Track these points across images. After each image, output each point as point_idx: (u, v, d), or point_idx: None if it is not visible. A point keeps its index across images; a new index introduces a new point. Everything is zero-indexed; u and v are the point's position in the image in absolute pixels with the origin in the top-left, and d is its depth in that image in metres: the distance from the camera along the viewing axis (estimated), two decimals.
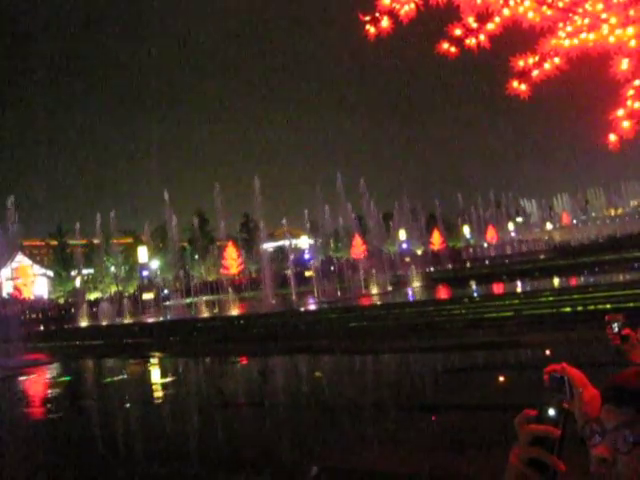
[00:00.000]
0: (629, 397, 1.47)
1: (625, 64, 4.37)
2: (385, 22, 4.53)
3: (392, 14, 4.54)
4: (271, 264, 52.59)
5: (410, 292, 41.14)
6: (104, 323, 43.33)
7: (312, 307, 35.65)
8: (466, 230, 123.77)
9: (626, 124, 4.45)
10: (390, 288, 45.63)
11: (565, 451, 1.45)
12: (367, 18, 4.55)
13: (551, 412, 1.48)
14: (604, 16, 4.48)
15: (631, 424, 1.44)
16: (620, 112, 4.47)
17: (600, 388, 1.63)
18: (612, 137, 4.53)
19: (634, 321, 2.48)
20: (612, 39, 4.40)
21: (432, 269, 65.16)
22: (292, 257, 54.95)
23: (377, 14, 4.55)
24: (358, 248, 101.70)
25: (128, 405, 18.19)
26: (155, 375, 24.32)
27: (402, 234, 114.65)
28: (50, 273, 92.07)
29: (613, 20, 4.40)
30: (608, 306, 21.94)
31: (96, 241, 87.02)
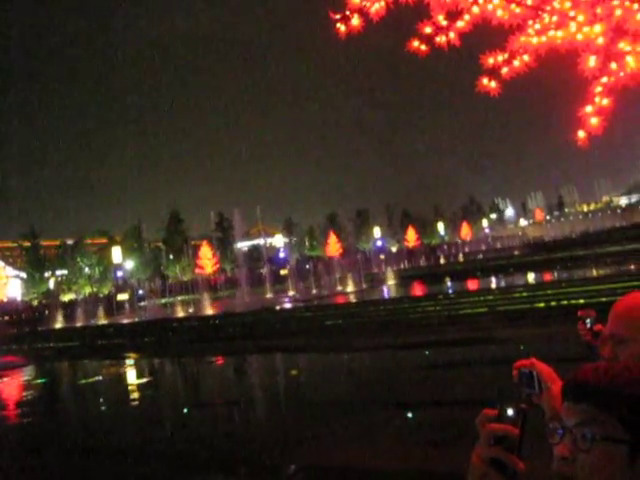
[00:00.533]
0: (587, 393, 1.46)
1: (592, 61, 4.42)
2: (355, 20, 4.54)
3: (362, 12, 4.55)
4: (246, 263, 52.45)
5: (385, 289, 41.25)
6: (78, 324, 43.00)
7: (287, 306, 35.62)
8: (440, 227, 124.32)
9: (594, 121, 4.50)
10: (365, 286, 45.72)
11: (526, 449, 1.46)
12: (337, 16, 4.56)
13: (510, 412, 1.49)
14: (572, 14, 4.52)
15: (590, 421, 1.43)
16: (588, 109, 4.52)
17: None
18: (581, 134, 4.57)
19: (605, 316, 2.50)
20: (580, 36, 4.44)
21: (407, 266, 65.36)
22: (267, 256, 54.84)
23: (347, 12, 4.56)
24: (333, 246, 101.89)
25: (103, 407, 18.09)
26: (130, 376, 24.19)
27: (377, 231, 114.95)
28: (23, 275, 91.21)
29: (580, 18, 4.44)
30: (581, 301, 22.12)
31: (69, 242, 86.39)
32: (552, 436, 1.49)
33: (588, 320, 2.90)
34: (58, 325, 43.71)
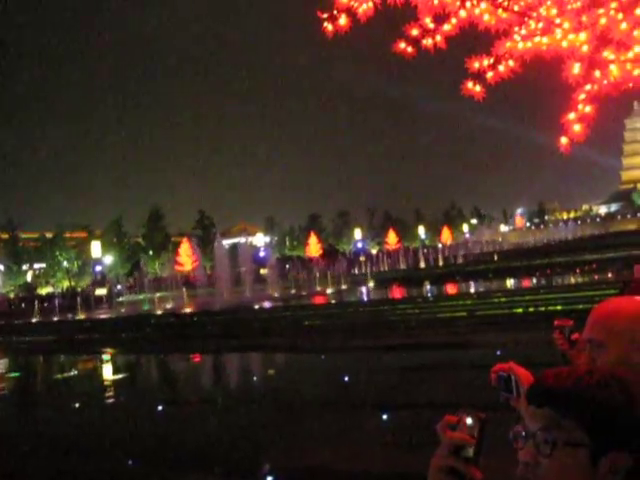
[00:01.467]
0: (549, 398, 1.46)
1: (577, 68, 4.44)
2: (343, 20, 4.54)
3: (350, 12, 4.55)
4: (226, 261, 52.28)
5: (364, 291, 41.30)
6: (55, 319, 42.70)
7: (266, 305, 35.57)
8: (421, 231, 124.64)
9: (577, 128, 4.53)
10: (345, 287, 45.76)
11: (482, 458, 1.45)
12: (325, 16, 4.56)
13: (468, 421, 1.48)
14: (558, 21, 4.55)
15: (552, 426, 1.43)
16: (571, 116, 4.55)
17: None
18: (564, 140, 4.61)
19: (582, 324, 2.51)
20: (565, 44, 4.47)
21: (387, 268, 65.47)
22: (247, 254, 54.74)
23: (335, 12, 4.56)
24: (313, 247, 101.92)
25: (76, 402, 17.96)
26: (106, 372, 24.05)
27: (357, 233, 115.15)
28: (0, 267, 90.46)
29: (566, 25, 4.47)
30: (559, 307, 22.29)
31: (49, 235, 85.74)
32: (516, 441, 1.49)
33: (567, 329, 2.91)
34: (35, 319, 43.38)
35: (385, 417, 12.46)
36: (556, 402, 1.44)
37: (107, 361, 26.35)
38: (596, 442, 1.41)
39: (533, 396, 1.51)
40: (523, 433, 1.48)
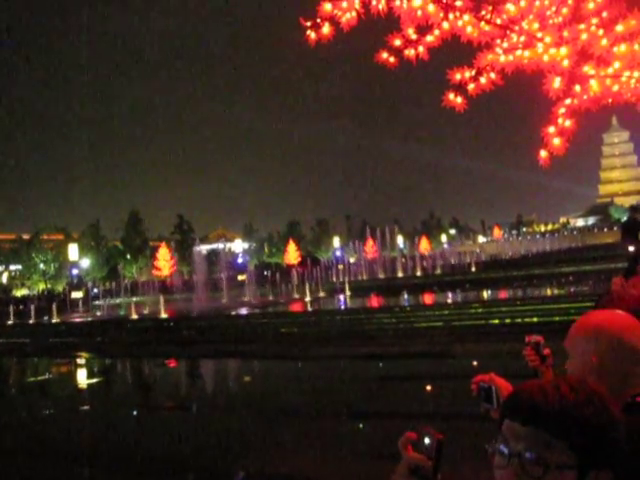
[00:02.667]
0: (537, 417, 1.43)
1: (557, 83, 4.48)
2: (326, 28, 4.55)
3: (333, 21, 4.56)
4: (203, 266, 52.14)
5: (342, 299, 41.29)
6: (30, 321, 42.32)
7: (243, 311, 35.48)
8: (400, 240, 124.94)
9: (557, 141, 4.56)
10: (322, 294, 45.75)
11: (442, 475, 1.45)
12: (308, 23, 4.56)
13: (426, 440, 1.47)
14: (539, 35, 4.58)
15: (542, 447, 1.40)
16: (551, 129, 4.58)
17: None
18: (543, 153, 4.63)
19: (556, 336, 2.53)
20: (546, 58, 4.50)
21: (365, 277, 65.47)
22: (225, 260, 54.64)
23: (318, 20, 4.56)
24: (292, 254, 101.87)
25: (46, 406, 17.80)
26: (80, 376, 23.86)
27: (336, 241, 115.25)
28: None
29: (548, 39, 4.51)
30: (535, 319, 22.41)
31: (25, 236, 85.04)
32: (496, 458, 1.46)
33: (539, 344, 2.93)
34: (9, 321, 42.95)
35: (360, 426, 12.45)
36: (546, 423, 1.41)
37: (81, 365, 26.14)
38: (583, 461, 1.39)
39: (516, 412, 1.46)
40: (505, 451, 1.44)
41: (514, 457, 1.42)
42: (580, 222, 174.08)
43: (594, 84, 4.46)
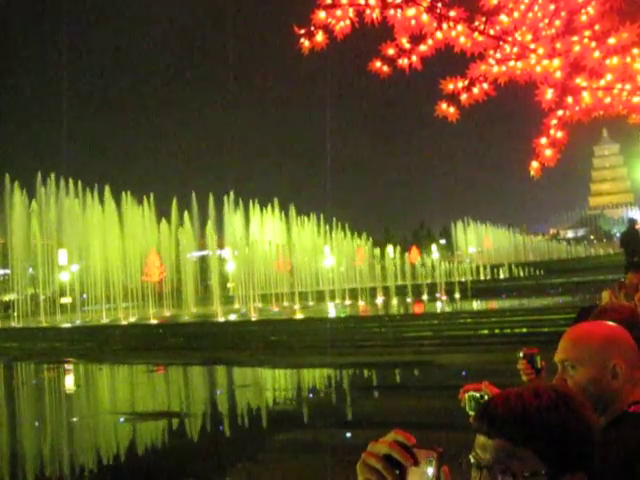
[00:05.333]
0: (500, 428, 1.42)
1: (550, 94, 4.49)
2: (320, 37, 4.55)
3: (327, 29, 4.56)
4: (194, 273, 52.02)
5: (332, 307, 41.27)
6: (18, 325, 42.11)
7: (232, 318, 35.41)
8: (390, 250, 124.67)
9: (548, 152, 4.57)
10: (312, 303, 45.74)
11: None
12: (302, 31, 4.56)
13: (429, 471, 1.38)
14: (532, 46, 4.60)
15: (508, 458, 1.40)
16: (543, 140, 4.59)
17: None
18: (534, 164, 4.65)
19: (548, 348, 2.52)
20: (539, 69, 4.52)
21: (356, 285, 65.36)
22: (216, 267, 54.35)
23: (312, 28, 4.56)
24: (283, 261, 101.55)
25: (30, 412, 17.71)
26: (66, 382, 23.70)
27: (327, 250, 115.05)
28: None
29: (540, 51, 4.52)
30: (524, 330, 22.46)
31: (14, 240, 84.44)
32: (471, 471, 1.45)
33: (535, 357, 2.89)
34: None
35: (348, 435, 12.41)
36: (508, 433, 1.40)
37: (70, 370, 25.99)
38: (552, 467, 1.39)
39: (483, 426, 1.45)
40: (476, 464, 1.44)
41: (484, 469, 1.42)
42: (570, 234, 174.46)
43: (586, 96, 4.48)
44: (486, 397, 2.29)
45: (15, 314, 46.15)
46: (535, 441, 1.39)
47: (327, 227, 59.56)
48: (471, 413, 2.32)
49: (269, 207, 56.74)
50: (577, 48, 4.48)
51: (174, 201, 49.41)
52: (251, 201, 53.28)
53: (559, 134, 4.57)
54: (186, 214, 51.10)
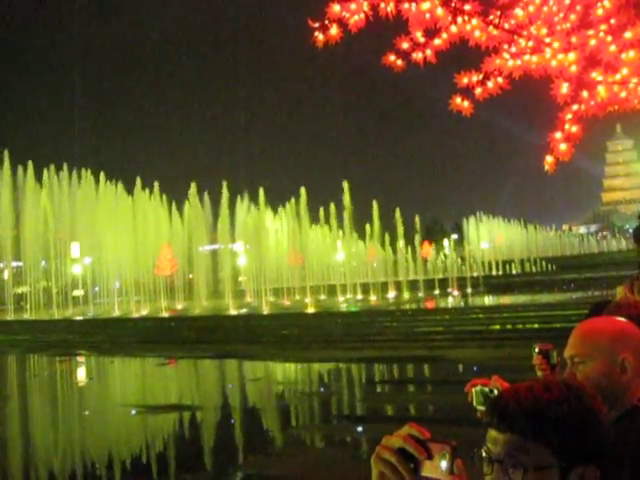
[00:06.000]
0: (510, 422, 1.43)
1: (565, 88, 4.46)
2: (334, 30, 4.54)
3: (341, 23, 4.55)
4: (205, 267, 52.13)
5: (343, 301, 41.33)
6: (31, 318, 42.35)
7: (244, 312, 35.49)
8: (401, 244, 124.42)
9: (563, 147, 4.54)
10: (324, 297, 45.78)
11: None
12: (316, 25, 4.55)
13: (443, 464, 1.39)
14: (547, 40, 4.57)
15: (518, 451, 1.41)
16: (558, 135, 4.56)
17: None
18: (549, 159, 4.62)
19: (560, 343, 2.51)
20: (554, 63, 4.48)
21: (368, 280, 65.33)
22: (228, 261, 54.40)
23: (326, 22, 4.55)
24: (294, 256, 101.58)
25: (41, 406, 17.82)
26: (78, 374, 23.82)
27: (339, 244, 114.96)
28: None
29: (556, 45, 4.49)
30: (536, 326, 22.41)
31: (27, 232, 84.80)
32: (483, 465, 1.46)
33: (551, 352, 2.88)
34: (9, 317, 42.95)
35: (359, 429, 12.42)
36: (518, 426, 1.41)
37: (81, 363, 26.13)
38: (564, 460, 1.40)
39: (493, 420, 1.46)
40: (488, 458, 1.44)
41: (496, 463, 1.43)
42: (582, 229, 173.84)
43: (602, 90, 4.45)
44: (496, 391, 2.28)
45: (28, 306, 46.36)
46: (546, 435, 1.40)
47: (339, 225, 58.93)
48: (479, 407, 2.32)
49: (285, 206, 56.02)
50: (593, 42, 4.44)
51: (191, 189, 49.02)
52: (264, 196, 52.84)
53: (574, 128, 4.54)
54: (199, 208, 50.92)
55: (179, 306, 43.89)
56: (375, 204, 56.78)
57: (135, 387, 20.62)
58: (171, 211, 52.04)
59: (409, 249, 58.73)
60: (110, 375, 23.63)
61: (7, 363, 28.18)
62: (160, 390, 19.38)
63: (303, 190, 51.69)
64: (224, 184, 49.85)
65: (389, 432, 1.36)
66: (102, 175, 47.99)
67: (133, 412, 15.11)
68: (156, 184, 50.13)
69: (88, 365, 25.80)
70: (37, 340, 32.09)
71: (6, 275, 57.37)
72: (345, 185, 52.52)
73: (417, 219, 61.33)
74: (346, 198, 53.09)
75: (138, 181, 49.10)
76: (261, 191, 51.94)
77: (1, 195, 46.83)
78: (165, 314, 36.85)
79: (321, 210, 58.70)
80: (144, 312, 39.83)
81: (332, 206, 56.56)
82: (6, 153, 46.14)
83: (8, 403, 17.79)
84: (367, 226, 61.09)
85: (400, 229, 57.03)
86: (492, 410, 1.49)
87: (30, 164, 47.12)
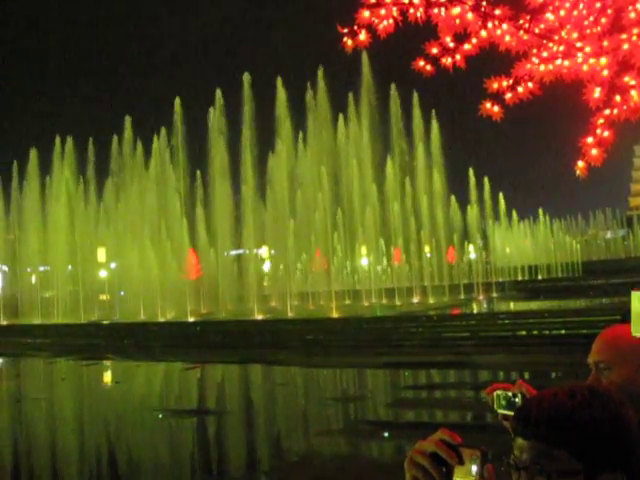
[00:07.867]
0: (534, 429, 1.43)
1: (597, 93, 4.42)
2: (362, 36, 4.53)
3: (370, 28, 4.55)
4: (230, 271, 52.30)
5: (368, 307, 41.25)
6: (57, 322, 42.68)
7: (269, 316, 35.53)
8: (426, 249, 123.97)
9: (595, 152, 4.50)
10: (348, 302, 45.73)
11: None
12: (345, 30, 4.55)
13: (474, 468, 1.43)
14: (579, 45, 4.53)
15: (543, 457, 1.41)
16: (590, 140, 4.52)
17: None
18: (580, 164, 4.58)
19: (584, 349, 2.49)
20: (585, 67, 4.45)
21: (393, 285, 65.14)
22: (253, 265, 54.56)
23: (356, 27, 4.55)
24: (317, 261, 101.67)
25: (68, 409, 17.95)
26: (103, 378, 23.98)
27: (363, 249, 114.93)
28: (5, 268, 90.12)
29: (587, 49, 4.46)
30: (562, 331, 22.25)
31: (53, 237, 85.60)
32: (510, 472, 1.47)
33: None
34: (36, 321, 43.33)
35: (385, 434, 12.39)
36: (542, 433, 1.42)
37: (107, 367, 26.27)
38: (588, 466, 1.39)
39: (519, 428, 1.47)
40: (514, 465, 1.45)
41: (522, 470, 1.44)
42: (609, 234, 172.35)
43: (635, 94, 4.40)
44: (519, 396, 2.26)
45: (55, 311, 46.78)
46: (570, 441, 1.40)
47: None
48: (500, 411, 2.30)
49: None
50: (625, 46, 4.40)
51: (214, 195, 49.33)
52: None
53: (606, 133, 4.50)
54: (225, 213, 51.07)
55: (204, 310, 44.05)
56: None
57: (161, 391, 20.71)
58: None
59: (434, 254, 58.50)
60: (135, 379, 23.74)
61: (35, 366, 28.43)
62: (185, 395, 19.46)
63: None
64: None
65: (415, 438, 1.39)
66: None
67: (159, 416, 15.18)
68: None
69: (114, 369, 25.94)
70: (63, 344, 32.32)
71: (34, 280, 57.92)
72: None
73: None
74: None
75: None
76: None
77: (27, 200, 47.40)
78: (190, 319, 36.98)
79: None
80: (169, 316, 39.99)
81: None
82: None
83: (37, 406, 17.94)
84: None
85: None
86: (518, 417, 1.50)
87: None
